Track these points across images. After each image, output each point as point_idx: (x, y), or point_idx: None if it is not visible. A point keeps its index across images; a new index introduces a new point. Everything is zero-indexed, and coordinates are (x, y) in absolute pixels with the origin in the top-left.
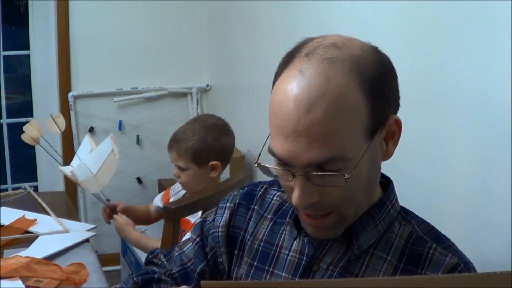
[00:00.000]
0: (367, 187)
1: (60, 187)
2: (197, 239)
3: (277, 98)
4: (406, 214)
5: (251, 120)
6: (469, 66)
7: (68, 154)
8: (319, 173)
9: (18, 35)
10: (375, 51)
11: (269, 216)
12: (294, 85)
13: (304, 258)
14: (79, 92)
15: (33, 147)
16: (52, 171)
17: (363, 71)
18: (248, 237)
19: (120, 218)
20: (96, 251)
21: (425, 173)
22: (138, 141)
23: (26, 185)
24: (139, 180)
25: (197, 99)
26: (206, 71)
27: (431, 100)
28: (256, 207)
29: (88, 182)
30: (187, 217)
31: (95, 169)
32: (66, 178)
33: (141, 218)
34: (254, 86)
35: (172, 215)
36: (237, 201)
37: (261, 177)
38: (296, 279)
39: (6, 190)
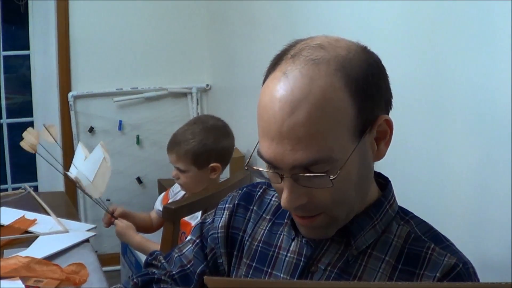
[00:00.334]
0: (358, 188)
1: (60, 187)
2: (197, 241)
3: (263, 100)
4: (404, 214)
5: (251, 120)
6: (469, 66)
7: (68, 155)
8: (306, 174)
9: (18, 35)
10: (364, 51)
11: (267, 217)
12: (279, 88)
13: (302, 259)
14: (79, 92)
15: None
16: (52, 171)
17: (349, 71)
18: (246, 238)
19: (121, 223)
20: (96, 251)
21: (425, 173)
22: (138, 141)
23: (26, 185)
24: (139, 180)
25: (197, 99)
26: (206, 71)
27: (431, 100)
28: (255, 208)
29: (89, 188)
30: (188, 220)
31: (91, 177)
32: (66, 178)
33: (141, 225)
34: (254, 86)
35: (172, 215)
36: (236, 202)
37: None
38: (295, 280)
39: (6, 190)
